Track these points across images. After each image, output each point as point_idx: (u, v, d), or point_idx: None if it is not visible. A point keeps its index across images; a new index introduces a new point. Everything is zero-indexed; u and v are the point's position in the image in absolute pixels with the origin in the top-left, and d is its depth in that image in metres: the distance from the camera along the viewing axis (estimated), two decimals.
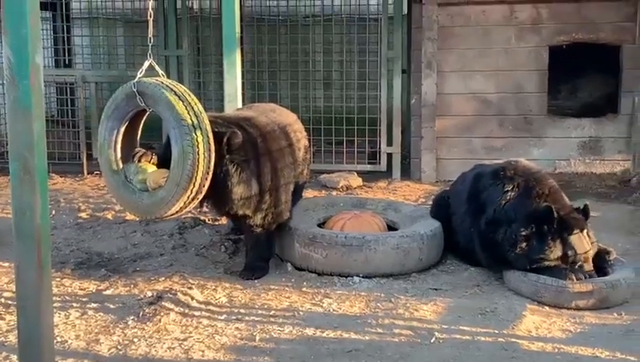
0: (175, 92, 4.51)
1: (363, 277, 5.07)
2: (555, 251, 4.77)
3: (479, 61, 8.28)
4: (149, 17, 4.67)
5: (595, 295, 4.61)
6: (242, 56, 7.33)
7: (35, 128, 3.18)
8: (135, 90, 4.57)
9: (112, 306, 4.59)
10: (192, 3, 9.92)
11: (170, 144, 4.55)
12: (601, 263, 4.96)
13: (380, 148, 8.71)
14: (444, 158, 8.35)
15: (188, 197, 4.51)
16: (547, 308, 4.62)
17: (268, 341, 4.12)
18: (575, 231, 4.79)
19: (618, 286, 4.67)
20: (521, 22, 8.22)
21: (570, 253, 4.76)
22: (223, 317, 4.45)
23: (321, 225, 5.76)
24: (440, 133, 8.32)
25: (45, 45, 9.96)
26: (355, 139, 8.81)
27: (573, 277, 4.67)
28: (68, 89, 9.77)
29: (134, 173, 4.67)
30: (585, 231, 4.86)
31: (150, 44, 4.68)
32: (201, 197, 4.62)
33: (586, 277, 4.72)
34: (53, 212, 6.67)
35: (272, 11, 9.82)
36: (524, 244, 4.82)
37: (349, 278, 5.07)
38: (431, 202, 6.33)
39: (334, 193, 7.64)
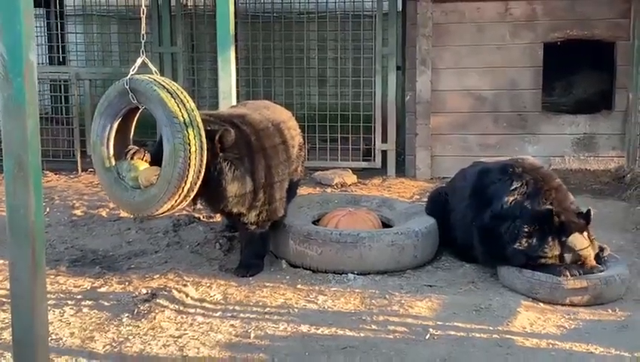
0: (167, 89, 4.50)
1: (357, 274, 5.08)
2: (554, 250, 4.79)
3: (474, 58, 8.28)
4: (142, 14, 4.66)
5: (590, 291, 4.63)
6: (237, 53, 7.32)
7: (29, 126, 3.17)
8: (128, 87, 4.56)
9: (106, 303, 4.59)
10: (186, 0, 9.90)
11: (162, 141, 4.54)
12: (598, 259, 4.98)
13: (374, 145, 8.71)
14: (439, 155, 8.36)
15: (179, 195, 4.50)
16: (542, 304, 4.63)
17: (263, 338, 4.12)
18: (574, 233, 4.81)
19: (612, 283, 4.68)
20: (516, 18, 8.22)
21: (566, 254, 4.79)
22: (217, 314, 4.45)
23: (315, 222, 5.76)
24: (435, 130, 8.32)
25: (39, 42, 9.93)
26: (350, 136, 8.81)
27: (568, 274, 4.68)
28: (62, 86, 9.75)
29: (127, 171, 4.67)
30: (584, 233, 4.87)
31: (143, 41, 4.67)
32: (193, 194, 4.61)
33: (580, 274, 4.73)
34: (48, 209, 6.66)
35: (266, 8, 9.80)
36: (524, 240, 4.83)
37: (343, 275, 5.07)
38: (426, 199, 6.34)
39: (329, 190, 7.64)
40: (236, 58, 6.66)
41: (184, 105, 4.49)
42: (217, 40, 6.12)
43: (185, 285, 4.87)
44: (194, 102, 4.63)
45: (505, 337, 4.13)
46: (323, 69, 9.95)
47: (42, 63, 9.93)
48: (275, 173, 5.17)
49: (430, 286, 4.96)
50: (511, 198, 5.05)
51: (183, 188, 4.47)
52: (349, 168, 8.37)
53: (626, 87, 8.12)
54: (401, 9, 8.99)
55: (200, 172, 4.53)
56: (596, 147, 8.27)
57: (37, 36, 9.55)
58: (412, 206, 6.17)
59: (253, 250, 5.23)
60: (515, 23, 8.23)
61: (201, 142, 4.50)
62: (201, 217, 6.31)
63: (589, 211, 4.97)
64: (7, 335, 4.00)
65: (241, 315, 4.44)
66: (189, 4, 10.04)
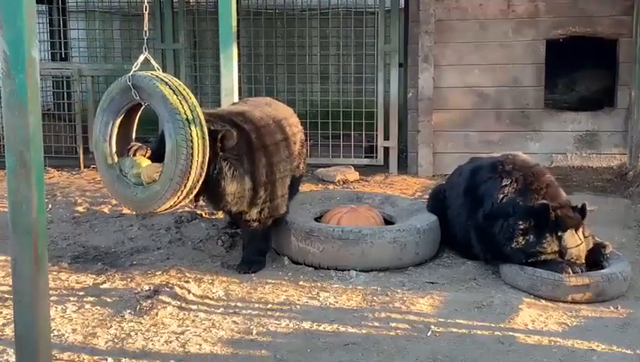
0: (170, 86, 4.50)
1: (360, 270, 5.08)
2: (553, 246, 4.79)
3: (476, 55, 8.27)
4: (144, 11, 4.66)
5: (592, 288, 4.62)
6: (239, 50, 7.32)
7: (32, 122, 3.17)
8: (130, 83, 4.56)
9: (108, 300, 4.59)
10: None
11: (164, 138, 4.54)
12: (597, 257, 4.98)
13: (376, 142, 8.71)
14: (441, 152, 8.35)
15: (182, 192, 4.49)
16: (543, 301, 4.63)
17: (265, 334, 4.12)
18: (570, 228, 4.81)
19: (614, 280, 4.68)
20: (518, 15, 8.22)
21: (563, 248, 4.79)
22: (219, 311, 4.45)
23: (317, 219, 5.76)
24: (437, 127, 8.32)
25: (41, 39, 9.94)
26: (352, 133, 8.81)
27: (570, 271, 4.68)
28: (64, 82, 9.77)
29: (129, 167, 4.66)
30: (580, 229, 4.87)
31: (146, 38, 4.67)
32: (195, 191, 4.61)
33: (582, 271, 4.73)
34: (50, 206, 6.66)
35: (268, 5, 9.80)
36: (520, 238, 4.83)
37: (345, 272, 5.07)
38: (428, 196, 6.34)
39: (331, 187, 7.64)
40: (238, 55, 6.66)
41: (186, 101, 4.49)
42: (220, 37, 6.11)
43: (187, 282, 4.88)
44: (196, 98, 4.63)
45: (506, 334, 4.13)
46: (325, 66, 9.95)
47: (44, 60, 9.94)
48: (277, 170, 5.16)
49: (432, 283, 4.96)
50: (501, 196, 5.03)
51: (186, 184, 4.47)
52: (351, 165, 8.37)
53: (628, 84, 8.11)
54: (403, 6, 8.98)
55: (202, 168, 4.52)
56: (598, 144, 8.27)
57: (39, 32, 9.57)
58: (414, 203, 6.17)
59: (255, 246, 5.23)
60: (517, 20, 8.22)
61: (204, 138, 4.49)
62: (203, 214, 6.31)
63: (584, 206, 4.95)
64: (9, 331, 4.01)
65: (243, 312, 4.44)
66: (191, 1, 10.05)
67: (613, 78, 8.35)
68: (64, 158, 8.73)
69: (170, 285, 4.76)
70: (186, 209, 6.22)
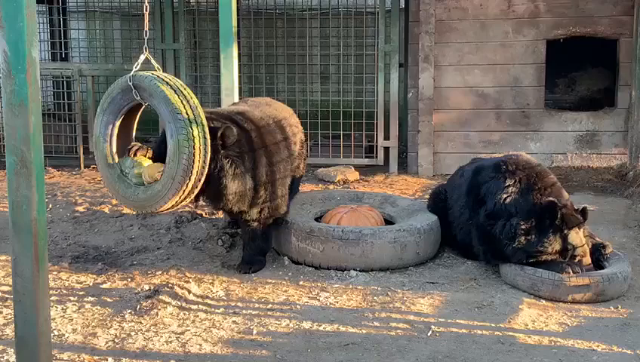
0: (171, 86, 4.50)
1: (360, 270, 5.08)
2: (555, 245, 4.79)
3: (476, 55, 8.27)
4: (144, 11, 4.66)
5: (592, 288, 4.63)
6: (239, 49, 7.32)
7: (32, 122, 3.18)
8: (131, 83, 4.55)
9: (109, 300, 4.60)
10: None
11: (165, 138, 4.54)
12: (597, 257, 4.99)
13: (377, 142, 8.71)
14: (442, 152, 8.36)
15: (183, 192, 4.49)
16: (544, 301, 4.64)
17: (265, 334, 4.12)
18: (574, 228, 4.82)
19: (615, 280, 4.68)
20: (519, 15, 8.22)
21: (568, 247, 4.79)
22: (220, 311, 4.45)
23: (318, 219, 5.76)
24: (437, 127, 8.32)
25: (42, 39, 9.94)
26: (353, 133, 8.81)
27: (570, 271, 4.69)
28: (64, 82, 9.77)
29: (130, 167, 4.66)
30: (581, 229, 4.88)
31: (146, 38, 4.67)
32: (197, 191, 4.61)
33: (582, 271, 4.74)
34: (50, 206, 6.66)
35: (268, 5, 9.80)
36: (522, 238, 4.83)
37: (345, 272, 5.07)
38: (428, 196, 6.34)
39: (331, 187, 7.64)
40: (238, 55, 6.66)
41: (187, 101, 4.49)
42: (220, 36, 6.11)
43: (187, 281, 4.88)
44: (196, 98, 4.63)
45: (507, 334, 4.13)
46: (325, 66, 9.95)
47: (45, 60, 9.95)
48: (277, 170, 5.17)
49: (432, 283, 4.96)
50: (504, 196, 5.03)
51: (187, 184, 4.47)
52: (352, 165, 8.37)
53: (628, 84, 8.11)
54: (403, 6, 8.98)
55: (204, 168, 4.52)
56: (599, 144, 8.27)
57: (39, 32, 9.57)
58: (414, 203, 6.17)
59: (255, 246, 5.23)
60: (517, 20, 8.22)
61: (205, 138, 4.49)
62: (204, 214, 6.31)
63: (585, 208, 4.96)
64: (9, 331, 4.01)
65: (244, 312, 4.45)
66: (191, 1, 10.05)
67: (614, 78, 8.36)
68: (64, 158, 8.73)
69: (170, 285, 4.76)
70: (186, 209, 6.22)
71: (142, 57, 4.64)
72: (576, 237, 4.81)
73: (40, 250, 3.26)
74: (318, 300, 4.64)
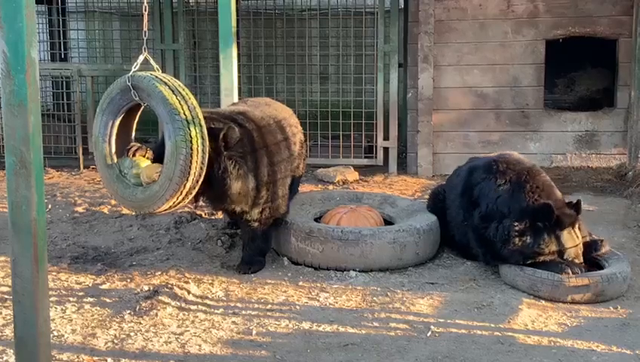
0: (169, 86, 4.49)
1: (359, 271, 5.08)
2: (551, 246, 4.79)
3: (476, 55, 8.28)
4: (144, 11, 4.65)
5: (591, 289, 4.62)
6: (238, 50, 7.32)
7: (31, 122, 3.17)
8: (130, 83, 4.55)
9: (108, 300, 4.59)
10: None
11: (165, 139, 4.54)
12: (592, 251, 4.98)
13: (376, 142, 8.71)
14: (441, 152, 8.36)
15: (181, 193, 4.48)
16: (543, 301, 4.63)
17: (264, 335, 4.12)
18: (567, 227, 4.82)
19: (614, 280, 4.68)
20: (518, 15, 8.22)
21: (562, 248, 4.80)
22: (219, 311, 4.45)
23: (317, 219, 5.76)
24: (436, 127, 8.32)
25: (41, 39, 9.94)
26: (352, 133, 8.81)
27: (570, 271, 4.68)
28: (64, 83, 9.76)
29: (128, 167, 4.66)
30: (575, 226, 4.88)
31: (145, 38, 4.66)
32: (194, 192, 4.60)
33: (582, 272, 4.73)
34: (50, 206, 6.66)
35: (268, 5, 9.80)
36: (517, 240, 4.81)
37: (345, 272, 5.07)
38: (427, 196, 6.34)
39: (331, 187, 7.64)
40: (238, 55, 6.67)
41: (186, 102, 4.48)
42: (219, 37, 6.12)
43: (187, 282, 4.87)
44: (196, 99, 4.62)
45: (506, 334, 4.13)
46: (325, 66, 9.95)
47: (44, 60, 9.95)
48: (278, 170, 5.17)
49: (432, 283, 4.96)
50: (495, 197, 5.02)
51: (185, 185, 4.46)
52: (351, 165, 8.37)
53: (628, 84, 8.12)
54: (403, 6, 8.99)
55: (202, 169, 4.51)
56: (598, 144, 8.27)
57: (39, 33, 9.56)
58: (414, 203, 6.17)
59: (255, 247, 5.23)
60: (517, 20, 8.22)
61: (203, 139, 4.49)
62: (203, 214, 6.31)
63: (578, 202, 4.94)
64: (9, 331, 4.01)
65: (243, 312, 4.44)
66: (191, 1, 10.04)
67: (613, 78, 8.36)
68: (64, 159, 8.73)
69: (169, 285, 4.76)
70: (186, 209, 6.22)
71: (141, 57, 4.63)
72: (568, 237, 4.82)
73: (39, 250, 3.26)
74: (318, 300, 4.64)
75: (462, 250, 5.43)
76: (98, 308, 4.47)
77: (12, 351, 3.60)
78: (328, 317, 4.36)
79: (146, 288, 4.75)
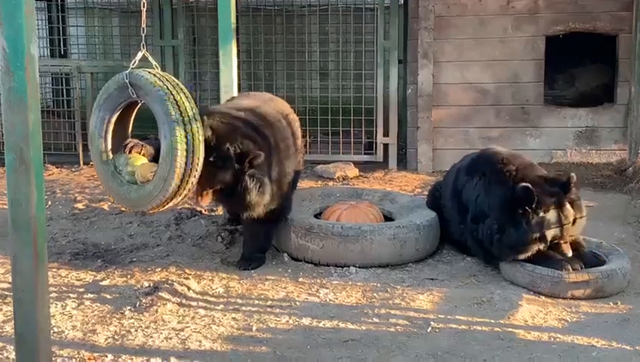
0: (166, 85, 4.43)
1: (359, 267, 5.08)
2: (535, 232, 4.69)
3: (476, 51, 8.27)
4: (142, 7, 4.63)
5: (591, 285, 4.62)
6: (238, 46, 7.31)
7: (31, 119, 3.17)
8: (127, 81, 4.53)
9: (108, 297, 4.60)
10: None
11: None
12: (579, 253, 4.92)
13: (376, 138, 8.71)
14: (441, 149, 8.35)
15: (174, 193, 4.43)
16: (543, 297, 4.64)
17: (265, 331, 4.12)
18: (550, 208, 4.69)
19: (614, 276, 4.68)
20: (518, 11, 8.21)
21: (548, 232, 4.70)
22: (219, 308, 4.46)
23: (317, 215, 5.77)
24: (436, 123, 8.32)
25: (40, 35, 9.92)
26: (352, 129, 8.80)
27: (570, 268, 4.68)
28: (63, 79, 9.76)
29: (123, 165, 4.62)
30: (565, 205, 4.72)
31: (144, 35, 4.64)
32: (189, 194, 4.55)
33: (582, 267, 4.73)
34: (49, 203, 6.66)
35: (267, 1, 9.78)
36: (500, 236, 4.78)
37: (345, 269, 5.07)
38: (427, 192, 6.34)
39: (331, 183, 7.64)
40: (238, 51, 6.65)
41: (183, 102, 4.43)
42: (219, 33, 6.11)
43: (187, 278, 4.88)
44: (195, 95, 4.60)
45: (506, 330, 4.13)
46: (324, 62, 9.94)
47: (44, 56, 9.93)
48: (288, 168, 5.17)
49: (432, 279, 4.96)
50: (475, 197, 5.01)
51: (180, 186, 4.40)
52: (351, 161, 8.36)
53: (628, 80, 8.11)
54: (402, 2, 8.97)
55: (197, 170, 4.46)
56: (598, 140, 8.27)
57: (38, 29, 9.55)
58: (414, 199, 6.17)
59: (256, 244, 5.23)
60: (517, 16, 8.21)
61: (199, 140, 4.43)
62: (203, 211, 6.31)
63: (568, 179, 4.78)
64: (9, 328, 4.01)
65: (243, 308, 4.45)
66: None
67: (613, 73, 8.35)
68: (63, 155, 8.73)
69: (170, 282, 4.76)
70: (186, 206, 6.22)
71: (139, 54, 4.61)
72: (556, 218, 4.68)
73: (39, 247, 3.26)
74: (318, 297, 4.64)
75: (461, 248, 5.42)
76: (98, 305, 4.47)
77: (12, 347, 3.60)
78: (328, 313, 4.36)
79: (146, 284, 4.75)
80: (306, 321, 4.25)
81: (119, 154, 4.68)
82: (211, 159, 4.62)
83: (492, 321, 4.25)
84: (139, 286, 4.74)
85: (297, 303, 4.53)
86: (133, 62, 4.57)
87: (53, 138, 8.81)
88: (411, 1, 8.34)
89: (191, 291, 4.67)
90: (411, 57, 8.38)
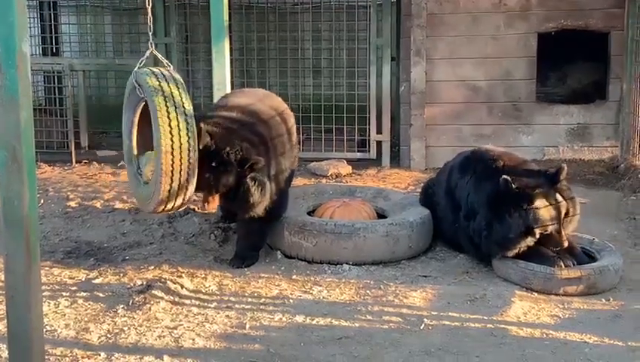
0: (160, 83, 4.40)
1: (353, 264, 5.09)
2: (518, 227, 4.68)
3: (468, 48, 8.27)
4: (146, 5, 4.58)
5: (584, 281, 4.64)
6: (231, 44, 7.29)
7: (23, 117, 3.16)
8: (134, 80, 4.52)
9: (101, 295, 4.59)
10: None
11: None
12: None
13: (369, 136, 8.70)
14: (434, 146, 8.36)
15: (169, 194, 4.38)
16: (536, 294, 4.65)
17: (258, 328, 4.13)
18: (535, 199, 4.67)
19: (606, 273, 4.70)
20: (510, 8, 8.22)
21: (535, 225, 4.68)
22: (213, 305, 4.46)
23: (310, 213, 5.77)
24: (429, 120, 8.32)
25: (32, 33, 9.88)
26: (345, 127, 8.79)
27: (562, 264, 4.69)
28: (55, 77, 9.69)
29: (143, 164, 4.62)
30: (552, 196, 4.70)
31: (151, 33, 4.60)
32: (184, 195, 4.52)
33: (574, 264, 4.74)
34: (42, 201, 6.64)
35: None
36: (487, 232, 4.79)
37: (338, 266, 5.08)
38: (420, 190, 6.34)
39: (324, 181, 7.63)
40: (230, 49, 6.63)
41: (181, 102, 4.39)
42: (211, 31, 6.10)
43: (180, 276, 4.87)
44: (188, 93, 4.57)
45: (499, 327, 4.15)
46: (317, 60, 9.93)
47: (35, 54, 9.88)
48: (284, 165, 5.17)
49: (425, 276, 4.97)
50: (466, 195, 5.02)
51: (171, 185, 4.35)
52: (344, 159, 8.35)
53: (620, 77, 8.13)
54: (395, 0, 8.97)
55: (189, 175, 4.42)
56: (590, 137, 8.28)
57: (30, 27, 9.51)
58: (407, 196, 6.18)
59: (250, 242, 5.23)
60: (509, 13, 8.22)
61: (190, 143, 4.38)
62: (196, 209, 6.29)
63: (558, 169, 4.78)
64: (1, 326, 4.01)
65: (237, 306, 4.45)
66: None
67: (605, 70, 8.36)
68: (56, 153, 8.69)
69: (163, 280, 4.76)
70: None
71: (147, 53, 4.61)
72: (543, 211, 4.66)
73: (32, 245, 3.25)
74: (311, 294, 4.64)
75: (454, 246, 5.43)
76: (91, 303, 4.46)
77: (5, 346, 3.59)
78: (322, 311, 4.37)
79: (139, 282, 4.75)
80: (299, 319, 4.26)
81: (143, 153, 4.66)
82: (213, 165, 4.62)
83: (485, 318, 4.27)
84: (132, 284, 4.74)
85: (291, 301, 4.53)
86: (140, 62, 4.56)
87: (45, 136, 8.77)
88: None
89: (184, 289, 4.67)
90: (404, 55, 8.38)
